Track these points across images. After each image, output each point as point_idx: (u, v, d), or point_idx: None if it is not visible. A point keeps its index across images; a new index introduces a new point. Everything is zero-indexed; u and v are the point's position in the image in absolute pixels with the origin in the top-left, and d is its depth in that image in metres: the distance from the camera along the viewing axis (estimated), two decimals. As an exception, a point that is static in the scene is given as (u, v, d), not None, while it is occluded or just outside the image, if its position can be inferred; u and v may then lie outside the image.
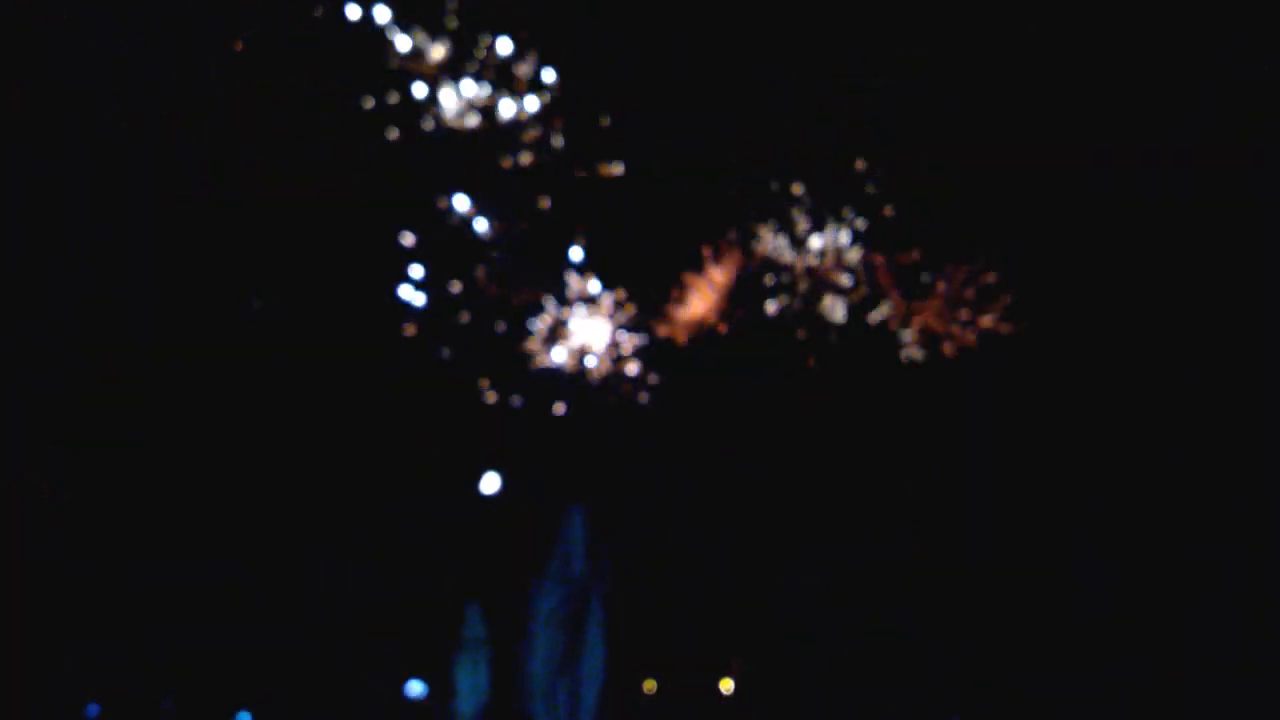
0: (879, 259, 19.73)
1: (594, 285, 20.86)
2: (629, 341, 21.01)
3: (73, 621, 20.87)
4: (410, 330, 21.27)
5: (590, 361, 20.98)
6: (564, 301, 20.94)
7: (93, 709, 20.88)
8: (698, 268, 20.60)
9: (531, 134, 20.16)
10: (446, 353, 21.38)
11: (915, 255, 19.83)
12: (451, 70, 19.73)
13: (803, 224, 20.00)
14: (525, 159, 20.22)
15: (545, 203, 20.56)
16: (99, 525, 21.29)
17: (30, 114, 19.05)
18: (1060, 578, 19.61)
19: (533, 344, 21.20)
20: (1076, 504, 19.65)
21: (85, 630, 21.02)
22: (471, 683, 21.71)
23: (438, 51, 19.72)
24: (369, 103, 19.81)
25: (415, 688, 21.19)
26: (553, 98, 19.90)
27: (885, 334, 20.18)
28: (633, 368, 21.13)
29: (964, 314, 19.96)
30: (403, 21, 19.49)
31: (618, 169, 20.17)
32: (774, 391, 20.92)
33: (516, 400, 21.55)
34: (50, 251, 20.28)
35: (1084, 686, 19.05)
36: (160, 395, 21.35)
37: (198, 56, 19.32)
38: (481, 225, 20.47)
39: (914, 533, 20.19)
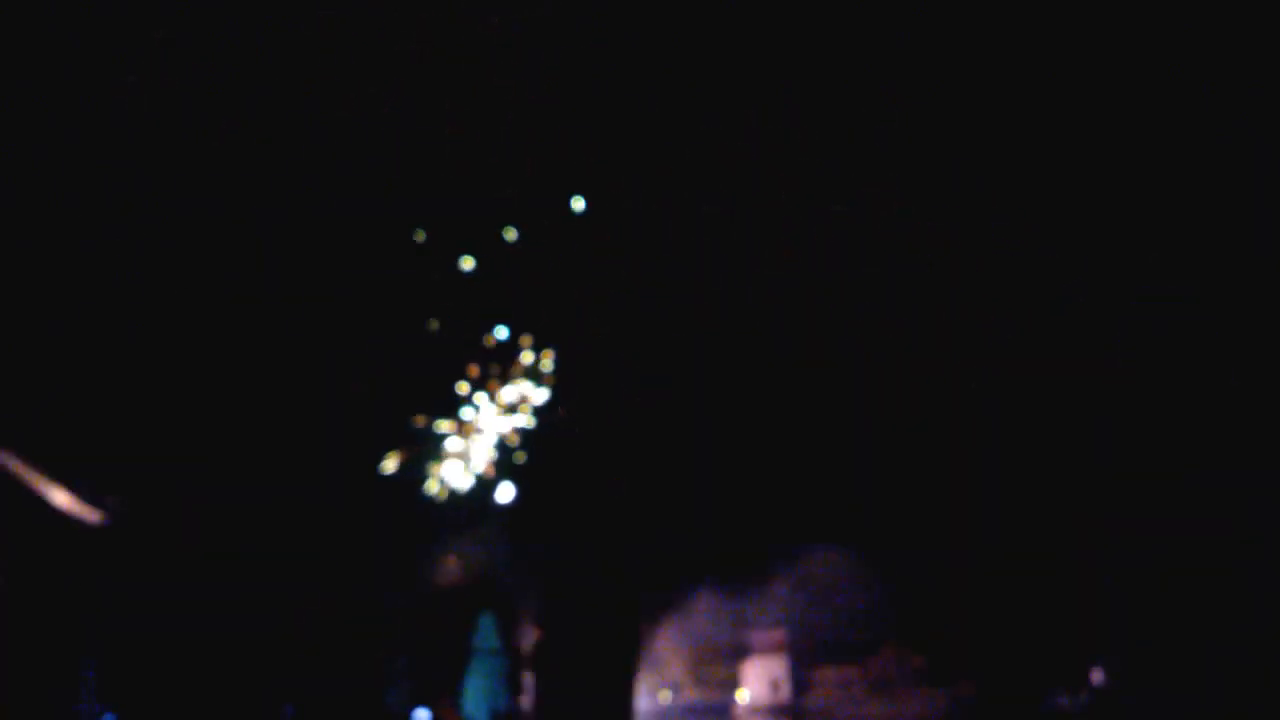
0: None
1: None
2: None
3: (90, 633, 20.99)
4: (419, 336, 21.33)
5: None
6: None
7: (109, 718, 20.95)
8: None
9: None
10: (451, 359, 21.45)
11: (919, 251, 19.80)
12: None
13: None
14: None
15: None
16: (117, 537, 21.42)
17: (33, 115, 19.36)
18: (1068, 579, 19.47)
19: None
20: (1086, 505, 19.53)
21: (101, 642, 21.13)
22: (484, 691, 21.81)
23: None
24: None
25: (421, 715, 21.25)
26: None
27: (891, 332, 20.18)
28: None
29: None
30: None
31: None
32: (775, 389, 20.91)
33: (525, 410, 21.58)
34: (68, 263, 20.58)
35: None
36: (174, 406, 21.54)
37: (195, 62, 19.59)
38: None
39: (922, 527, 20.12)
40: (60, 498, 21.14)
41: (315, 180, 20.13)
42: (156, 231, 20.64)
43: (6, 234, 19.99)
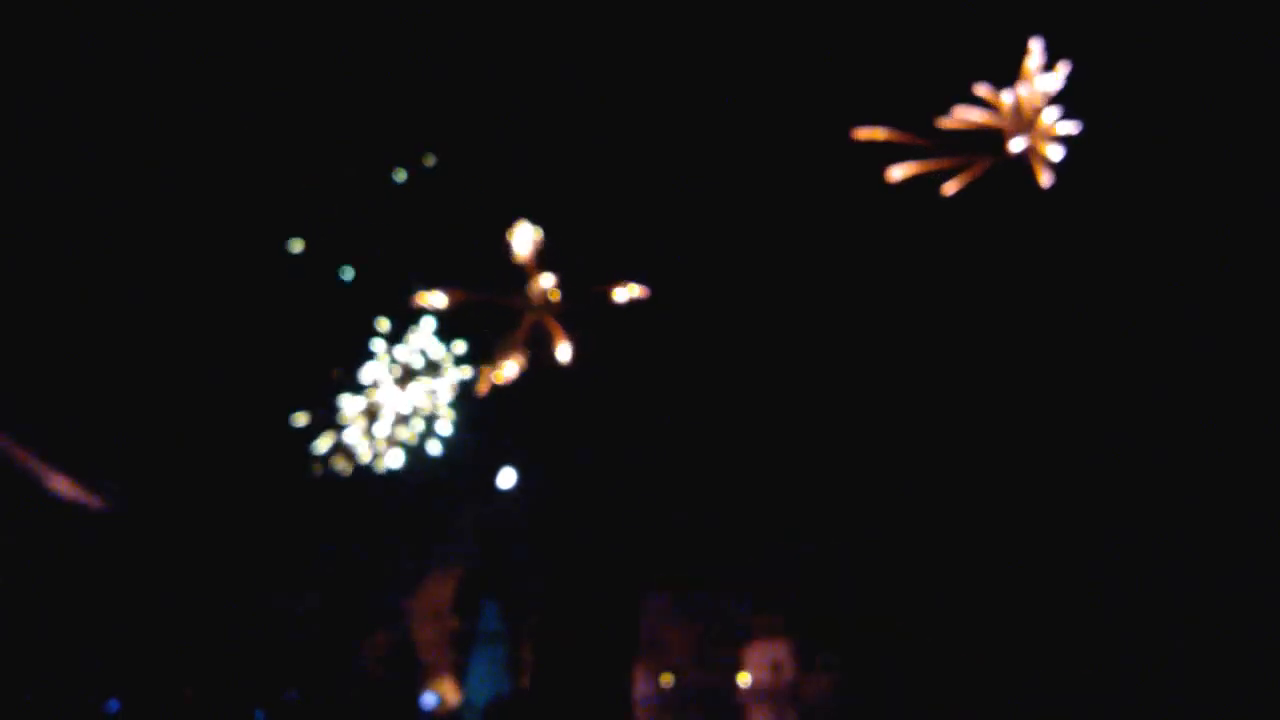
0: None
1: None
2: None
3: (94, 619, 21.02)
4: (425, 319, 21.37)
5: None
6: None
7: (113, 704, 20.98)
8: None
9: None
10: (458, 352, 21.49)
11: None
12: None
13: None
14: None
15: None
16: (119, 524, 21.47)
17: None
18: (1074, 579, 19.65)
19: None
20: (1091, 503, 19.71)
21: (107, 628, 21.16)
22: (487, 675, 21.90)
23: None
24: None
25: (430, 699, 21.34)
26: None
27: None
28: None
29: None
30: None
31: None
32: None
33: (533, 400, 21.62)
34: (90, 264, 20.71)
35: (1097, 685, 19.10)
36: (188, 403, 21.63)
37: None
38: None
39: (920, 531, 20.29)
40: (62, 484, 21.18)
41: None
42: (159, 227, 20.80)
43: (12, 229, 20.10)
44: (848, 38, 19.11)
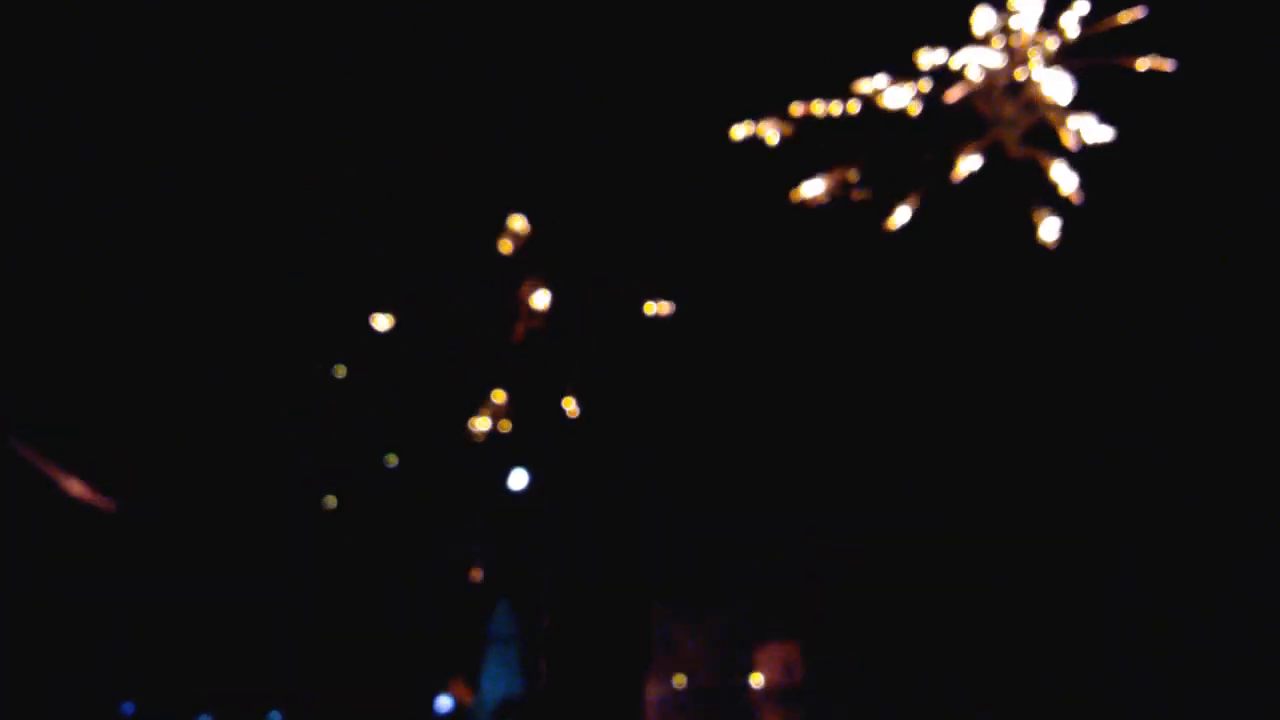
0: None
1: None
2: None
3: (108, 621, 21.08)
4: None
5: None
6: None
7: (128, 707, 21.08)
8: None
9: None
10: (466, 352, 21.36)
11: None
12: None
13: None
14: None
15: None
16: (132, 526, 21.49)
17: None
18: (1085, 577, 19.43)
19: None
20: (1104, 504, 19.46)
21: (122, 630, 21.22)
22: (499, 676, 21.86)
23: None
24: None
25: (444, 703, 21.31)
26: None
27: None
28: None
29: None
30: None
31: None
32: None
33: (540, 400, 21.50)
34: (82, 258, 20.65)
35: (1106, 684, 18.94)
36: (190, 396, 21.60)
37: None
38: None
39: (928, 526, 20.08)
40: (75, 486, 21.20)
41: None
42: (172, 228, 20.79)
43: (26, 231, 20.13)
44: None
